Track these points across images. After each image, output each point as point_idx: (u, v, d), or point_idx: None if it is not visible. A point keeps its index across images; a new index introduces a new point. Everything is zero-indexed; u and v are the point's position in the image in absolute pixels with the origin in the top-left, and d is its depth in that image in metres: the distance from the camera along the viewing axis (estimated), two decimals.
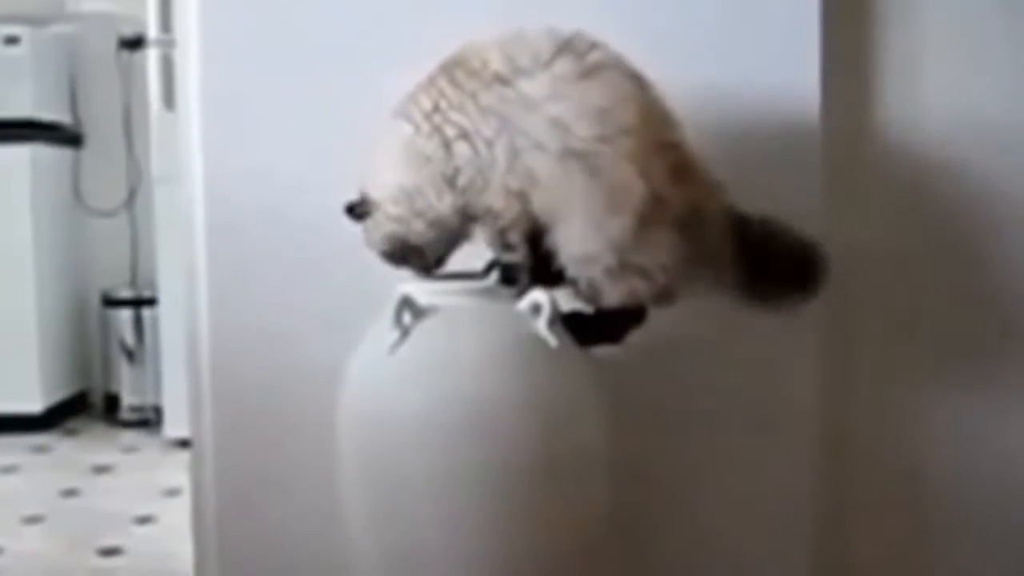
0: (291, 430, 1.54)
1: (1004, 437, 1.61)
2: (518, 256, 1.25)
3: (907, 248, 1.60)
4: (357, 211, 1.28)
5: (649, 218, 1.19)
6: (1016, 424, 1.61)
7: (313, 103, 1.54)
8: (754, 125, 1.51)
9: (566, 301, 1.25)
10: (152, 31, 3.35)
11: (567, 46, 1.21)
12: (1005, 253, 1.60)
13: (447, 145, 1.22)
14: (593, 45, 1.22)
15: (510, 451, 1.15)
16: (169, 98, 3.19)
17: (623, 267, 1.20)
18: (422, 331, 1.20)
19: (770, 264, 1.30)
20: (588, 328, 1.25)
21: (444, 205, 1.24)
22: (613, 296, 1.22)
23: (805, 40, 1.53)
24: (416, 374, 1.18)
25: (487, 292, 1.25)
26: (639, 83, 1.23)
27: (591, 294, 1.23)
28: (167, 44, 3.22)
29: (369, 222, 1.28)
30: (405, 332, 1.20)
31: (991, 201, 1.58)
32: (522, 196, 1.21)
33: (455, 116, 1.21)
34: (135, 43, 3.57)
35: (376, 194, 1.27)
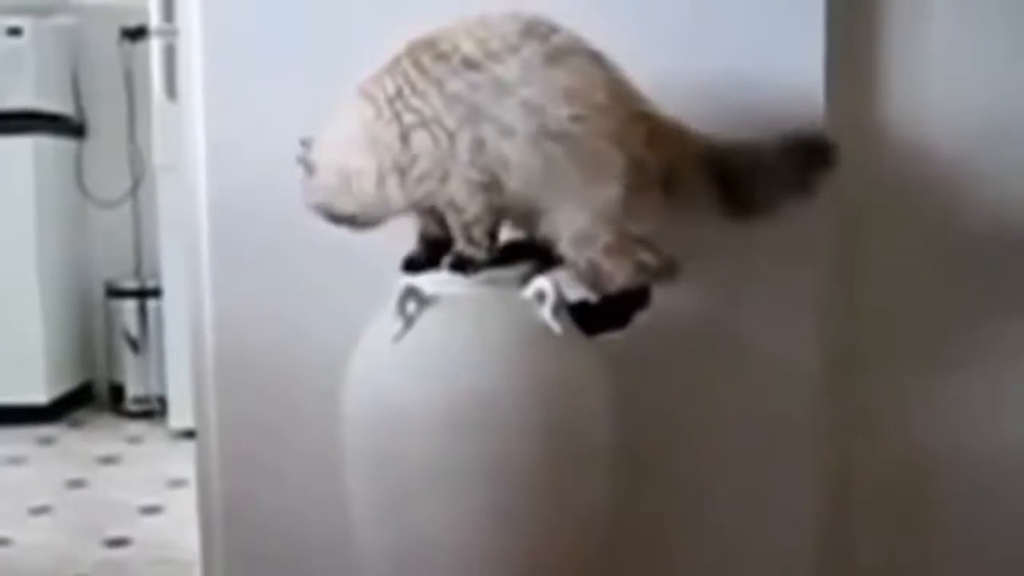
0: (296, 419, 1.54)
1: (1011, 426, 1.60)
2: (480, 252, 1.23)
3: (910, 242, 1.59)
4: (300, 157, 1.28)
5: (635, 185, 1.19)
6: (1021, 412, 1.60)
7: (315, 92, 1.53)
8: (757, 120, 1.49)
9: (570, 291, 1.24)
10: (154, 21, 3.35)
11: (531, 30, 1.20)
12: (1009, 248, 1.59)
13: (404, 135, 1.20)
14: (553, 28, 1.22)
15: (515, 441, 1.15)
16: (171, 88, 3.19)
17: (622, 240, 1.20)
18: (427, 320, 1.20)
19: (771, 175, 1.30)
20: (594, 316, 1.25)
21: (380, 192, 1.23)
22: (621, 275, 1.22)
23: (809, 35, 1.51)
24: (420, 364, 1.18)
25: (491, 281, 1.24)
26: (601, 63, 1.23)
27: (595, 277, 1.22)
28: (169, 34, 3.22)
29: (309, 179, 1.28)
30: (409, 321, 1.20)
31: (996, 194, 1.57)
32: (488, 188, 1.20)
33: (416, 102, 1.19)
34: (137, 33, 3.57)
35: (316, 157, 1.27)
